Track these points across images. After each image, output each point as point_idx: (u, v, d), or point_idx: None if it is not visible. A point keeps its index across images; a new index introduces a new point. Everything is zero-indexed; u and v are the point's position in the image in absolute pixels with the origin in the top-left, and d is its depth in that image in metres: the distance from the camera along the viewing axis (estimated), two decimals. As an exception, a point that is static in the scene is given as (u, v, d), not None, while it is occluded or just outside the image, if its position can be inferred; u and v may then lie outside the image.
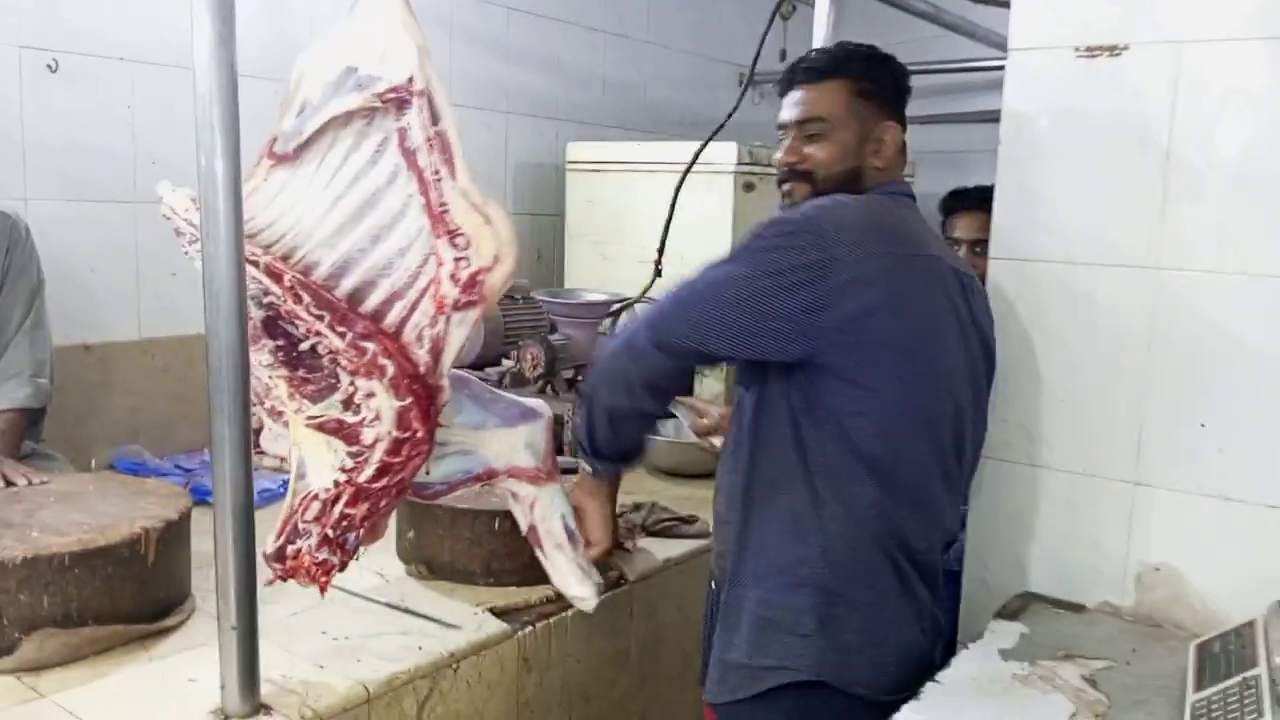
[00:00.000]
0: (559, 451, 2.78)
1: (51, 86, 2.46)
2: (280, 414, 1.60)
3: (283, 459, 2.63)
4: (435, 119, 1.45)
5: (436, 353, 1.48)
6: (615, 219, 3.40)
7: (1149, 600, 1.71)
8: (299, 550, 1.55)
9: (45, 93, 2.46)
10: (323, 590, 1.55)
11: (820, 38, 2.63)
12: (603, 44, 3.97)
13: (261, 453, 2.72)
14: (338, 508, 1.52)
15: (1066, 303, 1.77)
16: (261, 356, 1.55)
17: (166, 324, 2.70)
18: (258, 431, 2.81)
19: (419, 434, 1.50)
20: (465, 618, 1.83)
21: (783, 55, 4.62)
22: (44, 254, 2.35)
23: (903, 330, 1.49)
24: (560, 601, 1.93)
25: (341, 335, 1.48)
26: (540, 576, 1.95)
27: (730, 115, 2.66)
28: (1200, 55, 1.63)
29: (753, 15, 4.24)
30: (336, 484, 1.51)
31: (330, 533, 1.52)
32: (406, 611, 1.85)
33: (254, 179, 1.56)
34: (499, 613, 1.87)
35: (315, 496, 1.53)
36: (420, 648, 1.72)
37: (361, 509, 1.52)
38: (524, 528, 1.80)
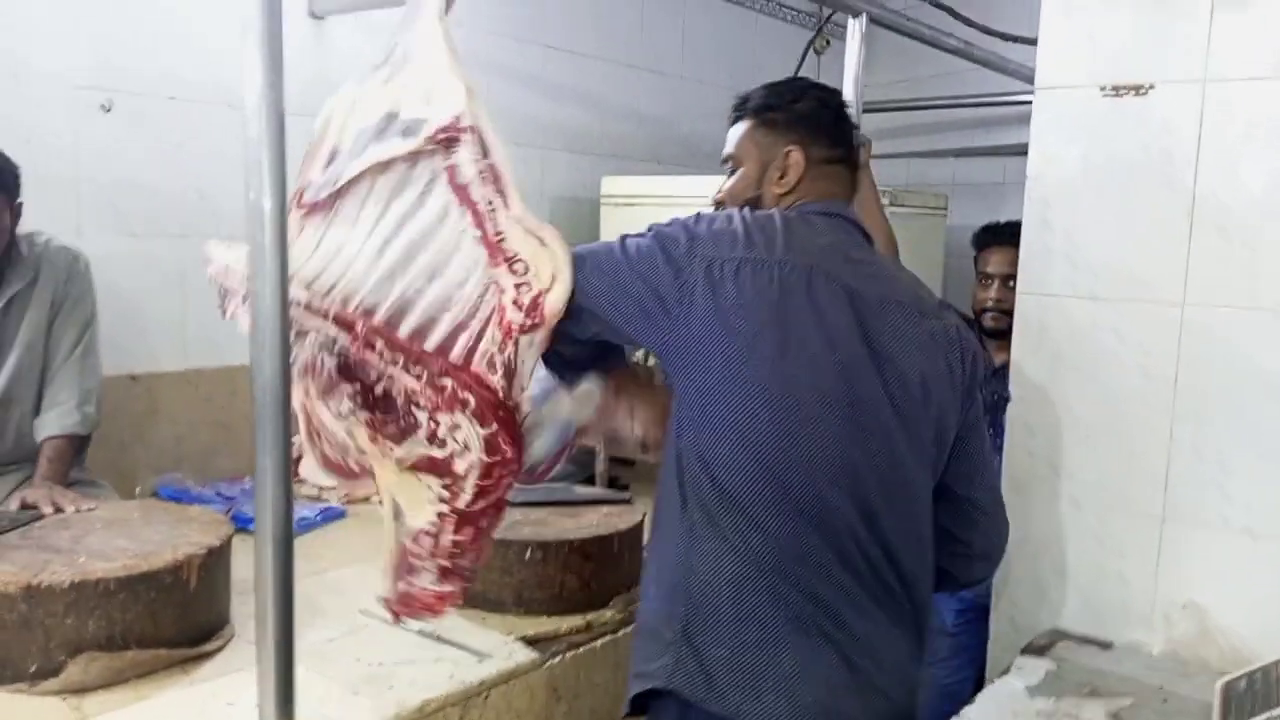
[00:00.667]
0: (590, 481, 2.83)
1: (105, 125, 2.55)
2: (355, 474, 1.63)
3: (321, 488, 2.71)
4: (486, 153, 1.49)
5: (510, 375, 1.51)
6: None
7: (1176, 637, 1.70)
8: (412, 591, 1.56)
9: (99, 131, 2.54)
10: (441, 614, 1.57)
11: (851, 71, 2.67)
12: (637, 80, 4.03)
13: (300, 481, 2.80)
14: (446, 537, 1.53)
15: (1093, 337, 1.78)
16: (339, 405, 1.58)
17: (211, 355, 2.77)
18: (297, 460, 2.88)
19: (509, 454, 1.53)
20: (496, 646, 1.86)
21: (818, 88, 4.64)
22: (95, 286, 2.44)
23: (736, 344, 1.38)
24: (589, 631, 1.96)
25: (418, 376, 1.51)
26: (570, 606, 1.99)
27: None
28: (1225, 93, 1.65)
29: (787, 50, 4.32)
30: (441, 516, 1.53)
31: (446, 563, 1.54)
32: (439, 640, 1.88)
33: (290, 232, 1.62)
34: (529, 641, 1.90)
35: (424, 533, 1.53)
36: (452, 675, 1.75)
37: (468, 533, 1.53)
38: None
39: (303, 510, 2.52)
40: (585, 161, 3.79)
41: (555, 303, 1.45)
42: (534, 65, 3.62)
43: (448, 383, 1.48)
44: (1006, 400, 1.90)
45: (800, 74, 3.17)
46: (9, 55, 2.41)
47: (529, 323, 1.46)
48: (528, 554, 2.00)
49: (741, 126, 1.63)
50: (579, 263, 1.45)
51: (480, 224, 1.48)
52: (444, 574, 1.52)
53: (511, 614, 2.00)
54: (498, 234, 1.47)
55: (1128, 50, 1.72)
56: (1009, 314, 1.90)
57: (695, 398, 1.40)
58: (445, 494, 1.51)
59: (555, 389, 1.64)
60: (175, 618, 1.75)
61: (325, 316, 1.52)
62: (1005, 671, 1.63)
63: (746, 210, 1.49)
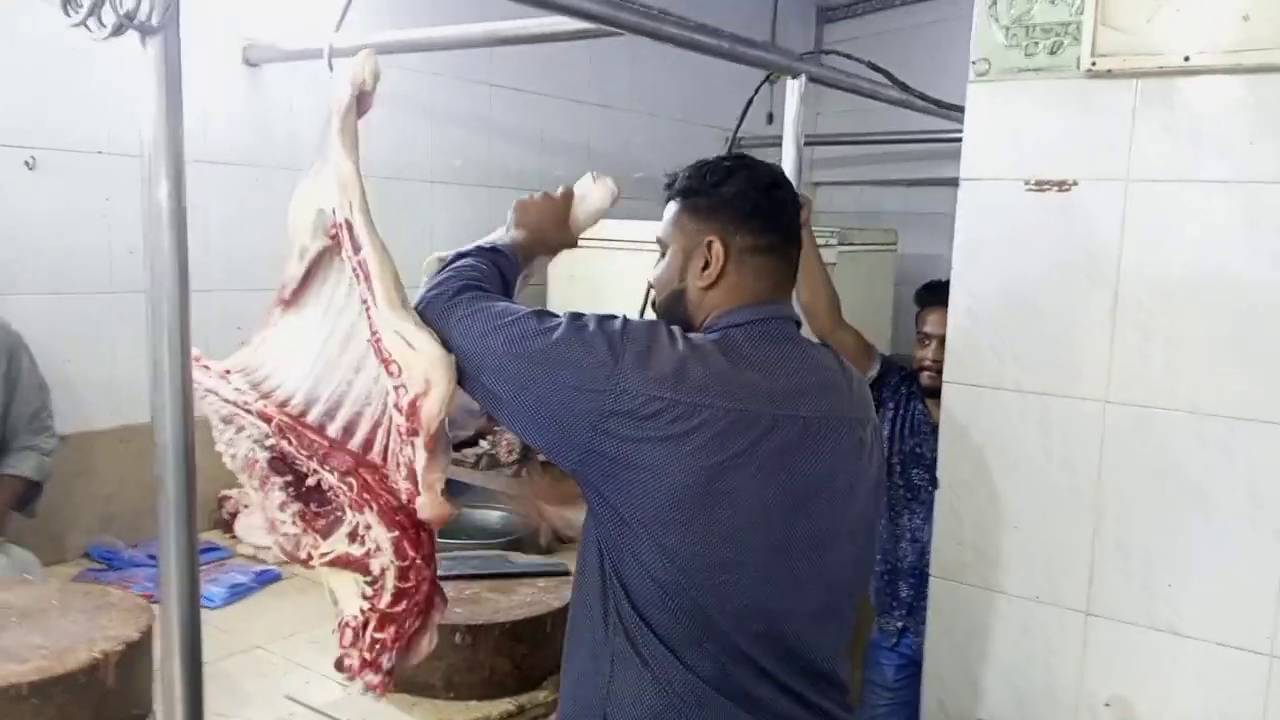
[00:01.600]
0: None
1: (30, 183, 2.50)
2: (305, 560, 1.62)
3: (257, 548, 2.67)
4: (356, 248, 1.47)
5: (412, 478, 1.49)
6: (596, 294, 3.42)
7: (1100, 733, 1.71)
8: (352, 665, 1.56)
9: (23, 189, 2.49)
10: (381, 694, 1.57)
11: (791, 131, 2.66)
12: (587, 115, 4.00)
13: (236, 540, 2.77)
14: (368, 634, 1.54)
15: (1019, 429, 1.79)
16: (273, 496, 1.58)
17: (142, 411, 2.68)
18: (233, 516, 2.84)
19: (416, 560, 1.51)
20: (422, 739, 1.84)
21: (769, 118, 4.66)
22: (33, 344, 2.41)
23: (683, 487, 1.31)
24: (521, 715, 1.94)
25: (331, 471, 1.51)
26: (501, 690, 1.97)
27: None
28: (1149, 192, 1.66)
29: (741, 81, 4.28)
30: (363, 610, 1.54)
31: (367, 656, 1.54)
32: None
33: (266, 327, 1.64)
34: (457, 731, 1.88)
35: (347, 624, 1.55)
36: (376, 773, 1.73)
37: (389, 632, 1.53)
38: None
39: (236, 576, 2.48)
40: (532, 199, 3.76)
41: (431, 408, 1.40)
42: (480, 105, 3.58)
43: (353, 481, 1.48)
44: (934, 488, 1.90)
45: (753, 103, 3.14)
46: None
47: (410, 426, 1.43)
48: (457, 637, 1.97)
49: (671, 208, 1.52)
50: (479, 368, 1.37)
51: (368, 321, 1.47)
52: (365, 665, 1.52)
53: (441, 698, 1.98)
54: (374, 333, 1.45)
55: (1052, 145, 1.73)
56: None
57: (634, 527, 1.33)
58: (368, 590, 1.51)
59: None
60: (90, 718, 1.71)
61: (249, 411, 1.55)
62: (929, 772, 1.63)
63: (681, 337, 1.37)
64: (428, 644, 1.58)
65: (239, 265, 2.86)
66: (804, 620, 1.39)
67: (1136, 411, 1.68)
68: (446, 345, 1.39)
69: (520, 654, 2.01)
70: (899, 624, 2.66)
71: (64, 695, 1.67)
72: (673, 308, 1.49)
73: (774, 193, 1.48)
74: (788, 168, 2.70)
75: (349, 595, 1.55)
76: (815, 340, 1.54)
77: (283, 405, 1.56)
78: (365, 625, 1.53)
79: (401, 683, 1.99)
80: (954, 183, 1.85)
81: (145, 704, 1.85)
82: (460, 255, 1.54)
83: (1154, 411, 1.66)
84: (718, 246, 1.43)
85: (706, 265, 1.44)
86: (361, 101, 1.53)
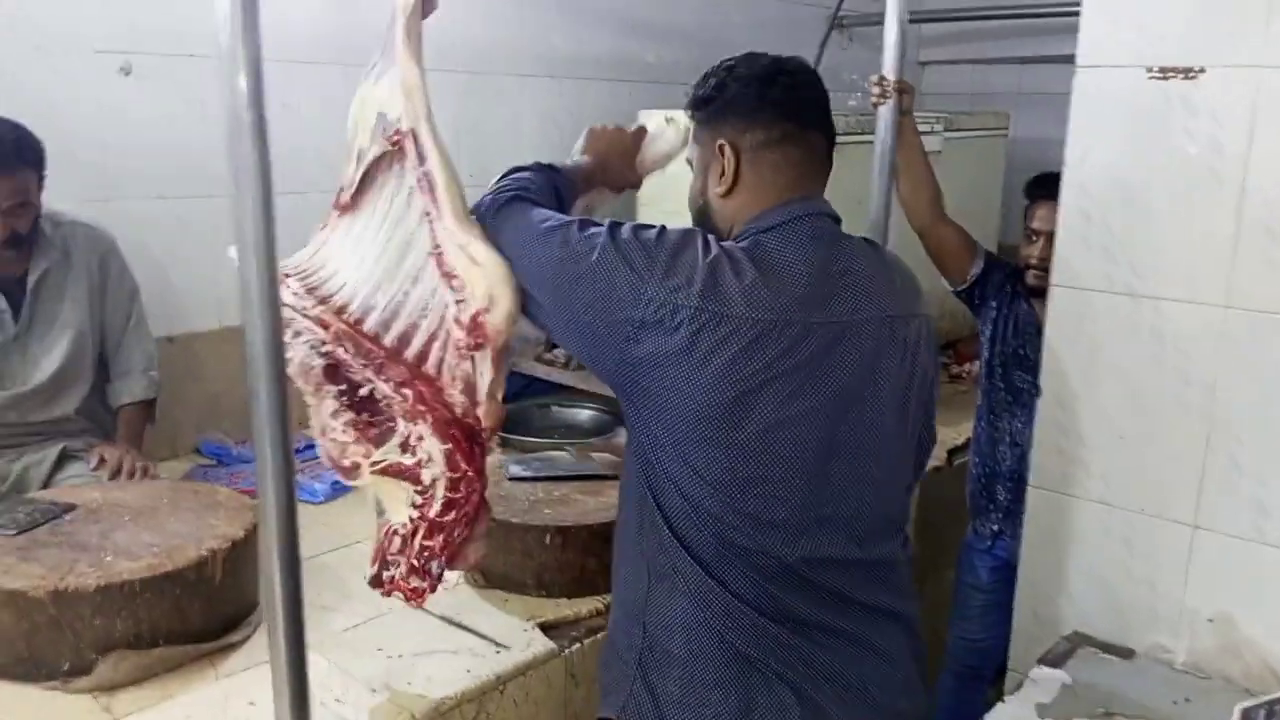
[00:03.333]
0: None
1: (125, 89, 2.52)
2: (348, 469, 1.64)
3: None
4: (422, 158, 1.44)
5: (470, 391, 1.49)
6: (685, 185, 3.34)
7: (1200, 649, 1.66)
8: (393, 577, 1.58)
9: (120, 95, 2.52)
10: (419, 604, 1.59)
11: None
12: (679, -3, 3.86)
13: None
14: (416, 541, 1.54)
15: (1130, 336, 1.69)
16: (327, 404, 1.60)
17: (244, 312, 2.78)
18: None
19: (468, 472, 1.53)
20: (515, 635, 1.89)
21: (873, -7, 4.42)
22: (125, 252, 2.46)
23: (680, 389, 1.29)
24: (609, 613, 1.97)
25: (387, 382, 1.52)
26: (591, 588, 2.00)
27: (816, 64, 2.58)
28: (1283, 80, 1.51)
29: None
30: (411, 520, 1.54)
31: (415, 563, 1.55)
32: (459, 627, 1.91)
33: (325, 230, 1.62)
34: (548, 627, 1.92)
35: (395, 532, 1.56)
36: (469, 670, 1.78)
37: (438, 540, 1.53)
38: None
39: (335, 475, 2.55)
40: (623, 90, 3.66)
41: (497, 323, 1.39)
42: (567, -12, 3.48)
43: (408, 393, 1.47)
44: (1037, 393, 1.83)
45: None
46: (28, 24, 2.37)
47: (473, 342, 1.42)
48: (547, 539, 2.01)
49: (694, 129, 1.49)
50: (523, 276, 1.37)
51: (431, 234, 1.45)
52: (413, 572, 1.53)
53: (533, 596, 2.02)
54: (436, 247, 1.42)
55: (1178, 30, 1.58)
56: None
57: (665, 443, 1.32)
58: (418, 499, 1.51)
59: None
60: (201, 611, 1.80)
61: (307, 316, 1.55)
62: (1019, 687, 1.60)
63: (716, 245, 1.33)
64: (475, 553, 1.56)
65: (332, 166, 2.86)
66: (843, 526, 1.37)
67: (1259, 319, 1.57)
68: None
69: (608, 554, 2.03)
70: (994, 527, 2.61)
71: (175, 590, 1.76)
72: (702, 224, 1.45)
73: (780, 79, 1.42)
74: (890, 47, 2.55)
75: (397, 504, 1.55)
76: (859, 237, 1.51)
77: (339, 311, 1.55)
78: (414, 533, 1.52)
79: (495, 579, 2.05)
80: (1072, 60, 1.72)
81: (254, 597, 1.93)
82: (518, 169, 1.51)
83: (1276, 319, 1.55)
84: (728, 150, 1.39)
85: (722, 173, 1.40)
86: (426, 1, 1.48)
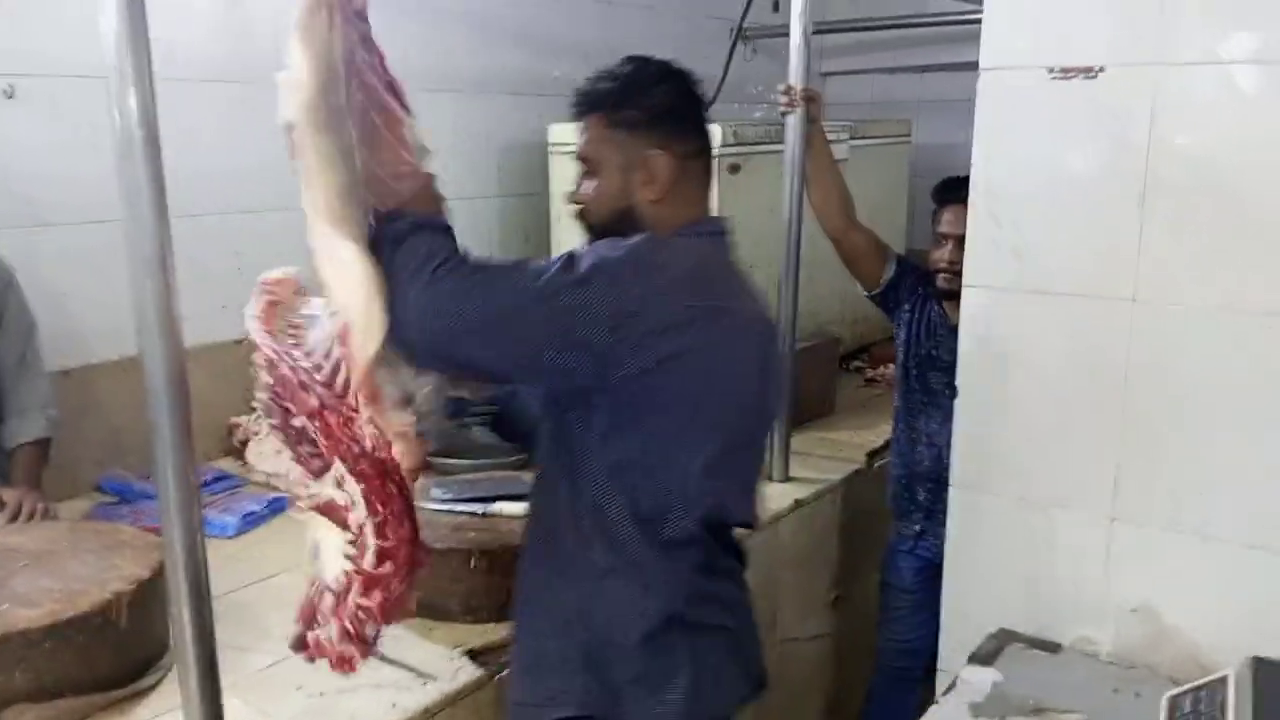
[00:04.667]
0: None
1: (10, 113, 2.41)
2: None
3: (269, 474, 2.65)
4: (297, 153, 1.30)
5: (376, 423, 1.41)
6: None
7: (1126, 640, 1.69)
8: (318, 639, 1.45)
9: (3, 119, 2.40)
10: (348, 672, 1.46)
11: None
12: (582, 11, 3.84)
13: (248, 468, 2.75)
14: (351, 598, 1.42)
15: (1041, 333, 1.72)
16: (274, 434, 1.50)
17: (145, 342, 2.67)
18: (244, 444, 2.82)
19: (388, 516, 1.44)
20: (442, 664, 1.83)
21: (775, 6, 4.48)
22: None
23: (692, 385, 1.39)
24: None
25: (300, 411, 1.42)
26: (518, 612, 1.95)
27: (721, 83, 2.59)
28: (1179, 77, 1.55)
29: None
30: (347, 574, 1.41)
31: (349, 626, 1.42)
32: (383, 659, 1.85)
33: None
34: (476, 654, 1.87)
35: (329, 589, 1.43)
36: (394, 704, 1.72)
37: (375, 598, 1.41)
38: None
39: (249, 504, 2.46)
40: (532, 104, 3.63)
41: (357, 341, 1.29)
42: (473, 4, 3.43)
43: (317, 424, 1.37)
44: (953, 394, 1.84)
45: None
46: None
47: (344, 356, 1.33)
48: (472, 562, 1.96)
49: (594, 123, 1.47)
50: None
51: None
52: (345, 636, 1.41)
53: (460, 623, 1.97)
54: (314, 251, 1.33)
55: (1078, 29, 1.62)
56: (962, 275, 1.82)
57: (650, 442, 1.39)
58: (352, 550, 1.40)
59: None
60: (108, 658, 1.71)
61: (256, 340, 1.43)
62: (951, 688, 1.61)
63: (656, 239, 1.39)
64: (411, 601, 1.48)
65: (233, 187, 2.79)
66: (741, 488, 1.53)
67: (1164, 311, 1.61)
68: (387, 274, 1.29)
69: (537, 576, 2.00)
70: (916, 528, 2.64)
71: (79, 637, 1.66)
72: (620, 225, 1.44)
73: (698, 94, 1.50)
74: (795, 58, 2.58)
75: (332, 555, 1.43)
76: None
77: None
78: (348, 589, 1.41)
79: (420, 607, 1.99)
80: (971, 67, 1.75)
81: (165, 639, 1.84)
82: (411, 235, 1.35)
83: (1185, 310, 1.59)
84: (663, 160, 1.43)
85: (651, 179, 1.43)
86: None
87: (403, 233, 1.29)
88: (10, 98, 2.40)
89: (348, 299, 1.28)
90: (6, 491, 2.26)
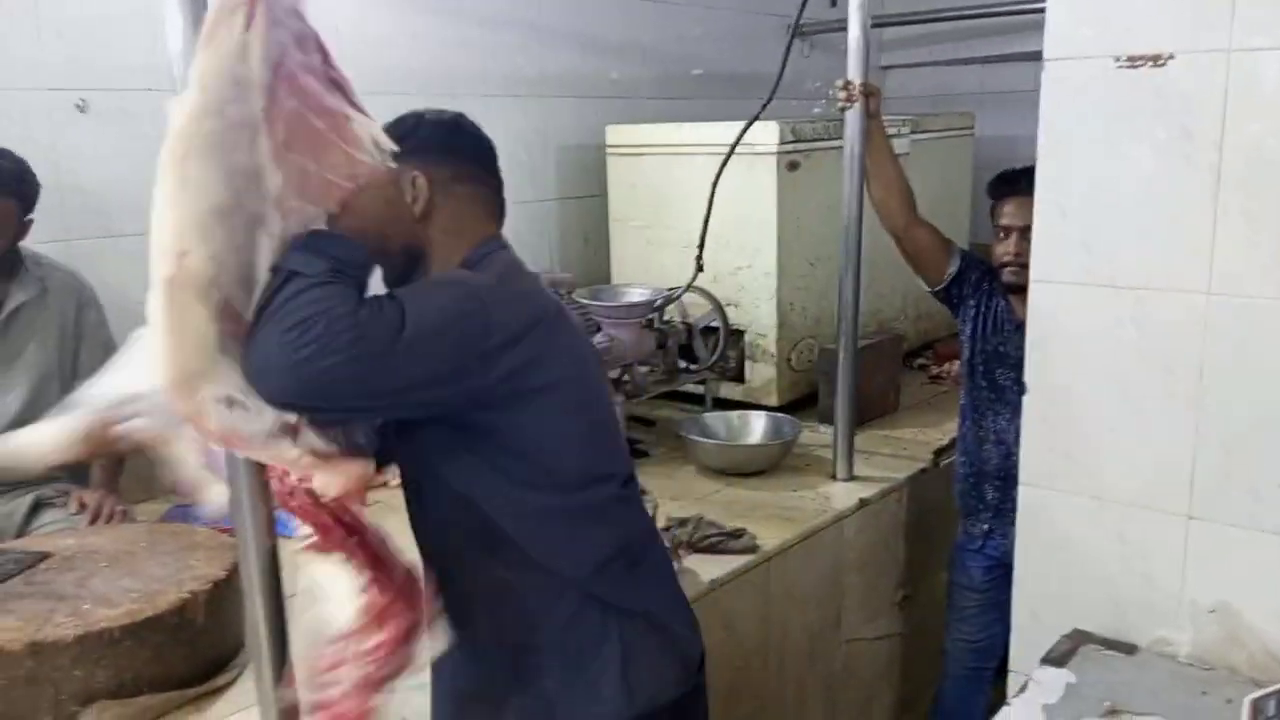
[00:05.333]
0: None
1: (82, 126, 2.48)
2: None
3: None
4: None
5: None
6: (658, 203, 3.33)
7: (1204, 641, 1.64)
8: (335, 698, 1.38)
9: (76, 133, 2.48)
10: None
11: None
12: (640, 11, 3.85)
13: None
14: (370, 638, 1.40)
15: (1113, 328, 1.68)
16: None
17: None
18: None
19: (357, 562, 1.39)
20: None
21: (833, 1, 4.45)
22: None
23: (554, 375, 1.42)
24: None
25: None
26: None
27: (779, 80, 2.57)
28: (1252, 64, 1.51)
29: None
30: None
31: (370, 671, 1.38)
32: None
33: None
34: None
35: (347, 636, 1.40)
36: None
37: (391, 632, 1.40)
38: None
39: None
40: (590, 106, 3.65)
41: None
42: (529, 12, 3.46)
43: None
44: (1020, 390, 1.81)
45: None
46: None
47: None
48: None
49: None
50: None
51: None
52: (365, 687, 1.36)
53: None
54: None
55: (1145, 17, 1.57)
56: (1028, 267, 1.78)
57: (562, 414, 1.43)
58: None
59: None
60: (185, 656, 1.75)
61: None
62: (1023, 689, 1.58)
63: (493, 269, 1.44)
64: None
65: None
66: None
67: (1241, 303, 1.56)
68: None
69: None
70: (985, 526, 2.59)
71: (156, 636, 1.71)
72: (384, 246, 1.39)
73: (462, 122, 1.54)
74: (853, 51, 2.56)
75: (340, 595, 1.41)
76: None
77: None
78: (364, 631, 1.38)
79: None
80: (1033, 57, 1.71)
81: (239, 638, 1.88)
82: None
83: (1260, 303, 1.54)
84: (421, 179, 1.45)
85: (414, 200, 1.45)
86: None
87: (287, 282, 1.20)
88: (83, 112, 2.47)
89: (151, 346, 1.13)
90: (87, 494, 2.33)
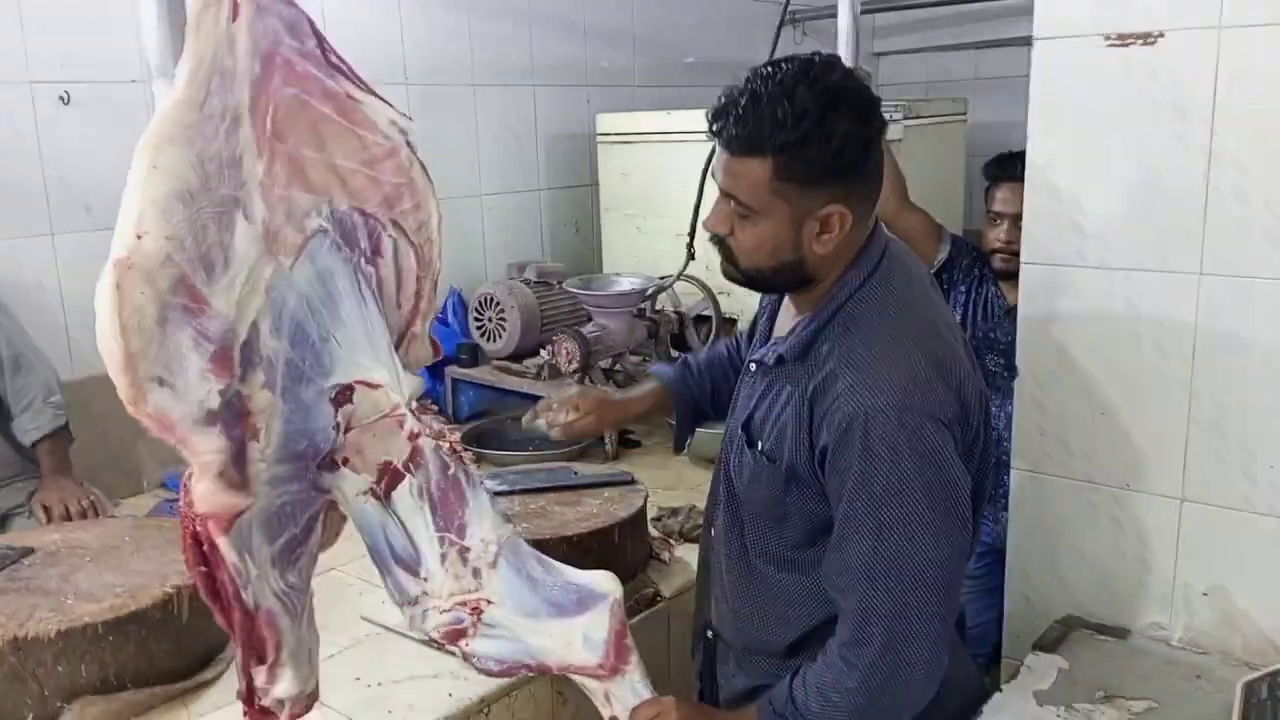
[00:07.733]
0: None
1: (66, 118, 2.46)
2: None
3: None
4: None
5: None
6: (649, 191, 3.31)
7: (1197, 624, 1.63)
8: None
9: (60, 125, 2.45)
10: None
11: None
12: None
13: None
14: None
15: (1104, 310, 1.66)
16: None
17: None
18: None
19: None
20: (497, 655, 1.83)
21: (825, -13, 4.40)
22: (74, 286, 2.41)
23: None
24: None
25: None
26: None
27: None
28: (1243, 41, 1.49)
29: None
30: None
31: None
32: (440, 649, 1.85)
33: None
34: (532, 645, 1.87)
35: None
36: (450, 694, 1.73)
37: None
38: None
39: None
40: (580, 94, 3.62)
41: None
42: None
43: None
44: (1010, 376, 1.79)
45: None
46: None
47: None
48: (525, 553, 1.95)
49: (752, 173, 1.26)
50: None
51: None
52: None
53: (515, 613, 1.96)
54: None
55: (1134, -5, 1.56)
56: (1019, 255, 1.76)
57: None
58: None
59: (542, 613, 1.44)
60: (170, 651, 1.74)
61: None
62: (1015, 675, 1.57)
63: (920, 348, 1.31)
64: None
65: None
66: None
67: (1234, 283, 1.54)
68: None
69: (590, 564, 1.98)
70: (979, 512, 2.57)
71: (140, 632, 1.69)
72: (783, 274, 1.35)
73: (873, 118, 1.29)
74: (844, 38, 2.53)
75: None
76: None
77: None
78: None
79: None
80: (1027, 42, 1.70)
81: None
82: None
83: (1253, 282, 1.53)
84: (843, 213, 1.28)
85: (823, 231, 1.30)
86: None
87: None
88: (67, 104, 2.45)
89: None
90: (46, 495, 2.29)
